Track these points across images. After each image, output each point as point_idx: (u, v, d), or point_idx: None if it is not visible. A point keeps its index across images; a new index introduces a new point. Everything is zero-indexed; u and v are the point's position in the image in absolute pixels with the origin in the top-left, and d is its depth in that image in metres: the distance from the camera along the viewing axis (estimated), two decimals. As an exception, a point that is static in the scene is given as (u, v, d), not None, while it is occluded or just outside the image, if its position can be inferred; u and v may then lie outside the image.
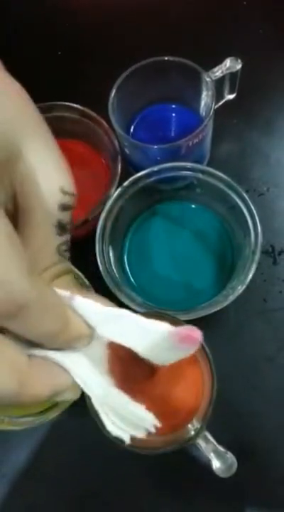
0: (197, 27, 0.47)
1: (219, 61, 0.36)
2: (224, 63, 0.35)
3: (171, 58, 0.35)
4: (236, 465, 0.26)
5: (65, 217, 0.22)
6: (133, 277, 0.38)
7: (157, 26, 0.47)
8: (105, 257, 0.34)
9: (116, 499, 0.36)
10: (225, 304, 0.32)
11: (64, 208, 0.22)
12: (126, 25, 0.48)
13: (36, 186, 0.21)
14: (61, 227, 0.22)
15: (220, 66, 0.35)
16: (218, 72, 0.35)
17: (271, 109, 0.44)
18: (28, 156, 0.21)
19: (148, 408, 0.33)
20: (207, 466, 0.27)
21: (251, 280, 0.32)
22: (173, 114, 0.40)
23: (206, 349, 0.29)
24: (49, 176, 0.21)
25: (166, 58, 0.34)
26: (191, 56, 0.36)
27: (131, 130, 0.40)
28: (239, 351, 0.37)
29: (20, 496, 0.36)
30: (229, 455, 0.26)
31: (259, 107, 0.44)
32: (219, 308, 0.32)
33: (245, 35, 0.46)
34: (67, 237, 0.23)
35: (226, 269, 0.37)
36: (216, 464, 0.26)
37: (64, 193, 0.21)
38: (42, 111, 0.41)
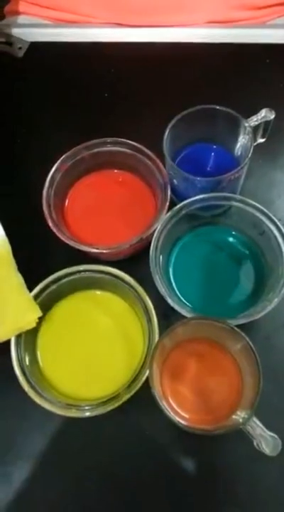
0: (235, 80, 0.56)
1: (250, 109, 0.42)
2: (260, 113, 0.42)
3: (217, 107, 0.41)
4: (280, 444, 0.31)
5: None
6: (178, 290, 0.43)
7: (201, 79, 0.56)
8: (157, 266, 0.39)
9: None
10: (263, 313, 0.37)
11: None
12: (175, 76, 0.56)
13: None
14: None
15: (257, 115, 0.42)
16: (255, 120, 0.42)
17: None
18: None
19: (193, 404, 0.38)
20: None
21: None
22: (212, 153, 0.47)
23: (253, 348, 0.34)
24: None
25: (217, 107, 0.41)
26: (230, 105, 0.42)
27: (175, 164, 0.46)
28: (266, 359, 0.43)
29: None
30: (274, 435, 0.31)
31: (282, 149, 0.51)
32: (256, 318, 0.37)
33: (270, 90, 0.54)
34: None
35: (256, 285, 0.42)
36: (262, 444, 0.31)
37: None
38: (99, 145, 0.46)
